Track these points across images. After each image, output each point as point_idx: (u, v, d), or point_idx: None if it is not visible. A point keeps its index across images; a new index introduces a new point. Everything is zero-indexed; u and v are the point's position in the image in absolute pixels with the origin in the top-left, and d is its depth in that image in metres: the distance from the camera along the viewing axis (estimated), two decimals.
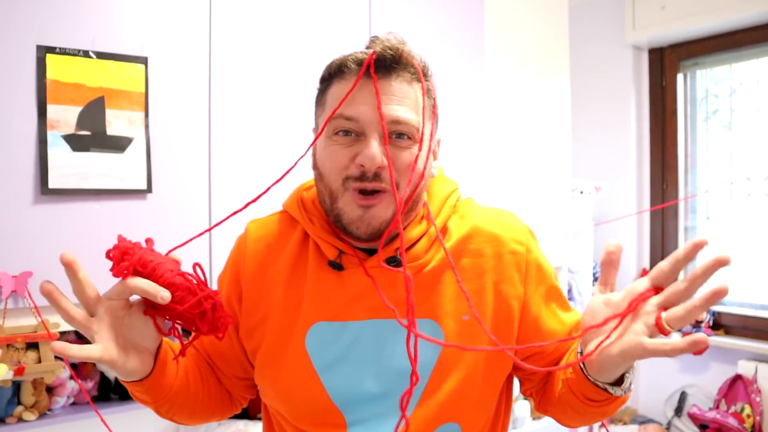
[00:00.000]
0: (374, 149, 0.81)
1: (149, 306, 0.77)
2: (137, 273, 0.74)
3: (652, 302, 0.71)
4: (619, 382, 0.79)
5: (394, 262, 0.88)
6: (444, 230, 0.93)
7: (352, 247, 0.90)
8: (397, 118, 0.82)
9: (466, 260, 0.91)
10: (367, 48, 0.85)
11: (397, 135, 0.83)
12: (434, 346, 0.86)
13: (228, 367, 0.99)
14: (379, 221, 0.83)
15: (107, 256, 0.75)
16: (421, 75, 0.85)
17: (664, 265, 0.71)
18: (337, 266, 0.89)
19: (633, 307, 0.70)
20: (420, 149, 0.84)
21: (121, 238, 0.76)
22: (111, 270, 0.74)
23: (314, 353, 0.88)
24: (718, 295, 0.67)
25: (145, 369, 0.80)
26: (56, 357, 1.55)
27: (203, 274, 0.81)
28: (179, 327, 0.80)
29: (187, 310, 0.76)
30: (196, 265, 0.81)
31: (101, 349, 0.73)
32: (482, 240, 0.92)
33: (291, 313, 0.91)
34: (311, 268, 0.92)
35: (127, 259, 0.74)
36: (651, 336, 0.69)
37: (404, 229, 0.88)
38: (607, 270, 0.76)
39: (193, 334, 0.82)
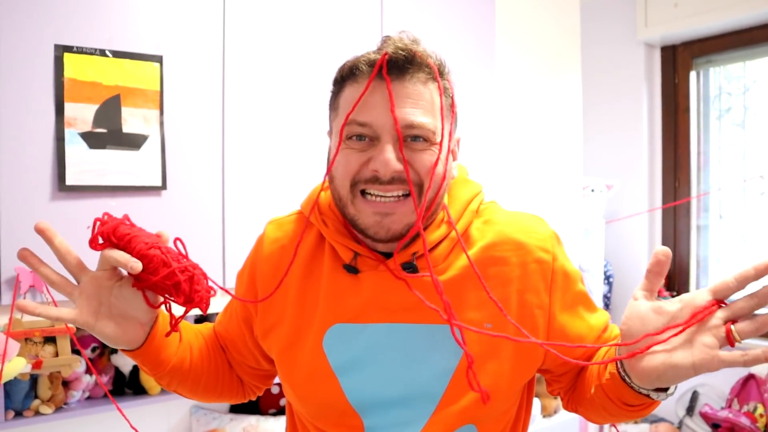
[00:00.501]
0: (388, 154, 0.79)
1: (134, 279, 0.80)
2: (113, 245, 0.78)
3: (718, 315, 0.71)
4: (663, 388, 0.78)
5: (410, 267, 0.86)
6: (466, 236, 0.91)
7: (368, 249, 0.89)
8: (412, 123, 0.80)
9: (492, 269, 0.89)
10: (379, 48, 0.83)
11: (412, 138, 0.81)
12: (454, 353, 0.85)
13: (239, 355, 1.02)
14: (400, 225, 0.83)
15: (87, 228, 0.80)
16: (437, 74, 0.83)
17: (729, 280, 0.72)
18: (352, 269, 0.89)
19: (699, 319, 0.71)
20: (440, 150, 0.82)
21: (104, 215, 0.80)
22: (88, 242, 0.79)
23: (332, 354, 0.88)
24: None
25: (133, 339, 0.83)
26: (73, 351, 1.57)
27: (184, 248, 0.84)
28: (171, 301, 0.82)
29: (160, 281, 0.77)
30: (177, 240, 0.84)
31: (76, 312, 0.78)
32: (507, 248, 0.89)
33: (307, 315, 0.91)
34: (326, 270, 0.91)
35: (102, 230, 0.78)
36: (720, 348, 0.70)
37: (414, 230, 0.86)
38: (654, 277, 0.75)
39: (185, 309, 0.83)
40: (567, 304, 0.91)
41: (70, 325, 1.48)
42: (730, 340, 0.69)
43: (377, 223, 0.82)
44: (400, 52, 0.79)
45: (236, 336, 1.00)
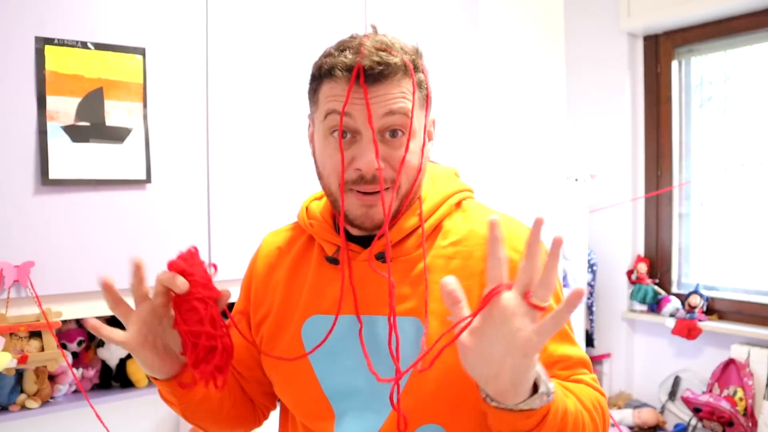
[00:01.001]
0: (370, 155, 0.83)
1: (175, 320, 0.83)
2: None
3: (510, 295, 0.69)
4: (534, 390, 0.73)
5: (381, 258, 0.90)
6: (438, 228, 0.94)
7: (350, 242, 0.93)
8: (391, 108, 0.84)
9: (456, 261, 0.91)
10: (355, 51, 0.84)
11: (391, 133, 0.86)
12: (417, 344, 0.87)
13: (248, 371, 1.04)
14: (381, 216, 0.87)
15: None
16: (411, 72, 0.86)
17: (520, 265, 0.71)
18: (332, 260, 0.94)
19: (487, 301, 0.69)
20: (408, 139, 0.86)
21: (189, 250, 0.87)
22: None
23: (309, 344, 0.92)
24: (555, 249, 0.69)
25: (167, 370, 0.87)
26: (63, 345, 1.57)
27: (230, 318, 0.92)
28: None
29: (183, 332, 0.81)
30: (226, 312, 0.89)
31: (126, 336, 0.82)
32: (475, 242, 0.92)
33: (291, 306, 0.96)
34: (313, 265, 0.97)
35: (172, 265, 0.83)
36: (534, 323, 0.68)
37: (397, 221, 0.91)
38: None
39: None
40: None
41: (52, 320, 1.48)
42: (531, 304, 0.68)
43: (364, 214, 0.87)
44: (376, 65, 0.83)
45: (242, 347, 1.01)
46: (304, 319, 0.94)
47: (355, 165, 0.85)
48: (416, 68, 0.88)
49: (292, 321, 0.95)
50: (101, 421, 1.41)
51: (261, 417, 1.10)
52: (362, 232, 0.92)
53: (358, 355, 0.88)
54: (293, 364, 0.92)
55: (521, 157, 2.38)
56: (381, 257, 0.90)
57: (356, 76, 0.83)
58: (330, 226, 0.96)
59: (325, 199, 1.01)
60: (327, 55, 0.88)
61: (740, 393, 2.51)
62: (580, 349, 0.92)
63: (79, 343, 1.82)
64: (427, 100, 0.91)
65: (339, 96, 0.85)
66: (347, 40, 0.87)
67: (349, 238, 0.95)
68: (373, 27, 0.93)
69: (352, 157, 0.86)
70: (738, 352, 2.60)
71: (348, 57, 0.84)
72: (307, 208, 1.02)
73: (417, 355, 0.85)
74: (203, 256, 1.68)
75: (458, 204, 0.98)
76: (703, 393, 2.63)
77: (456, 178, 1.02)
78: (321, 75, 0.88)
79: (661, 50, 3.02)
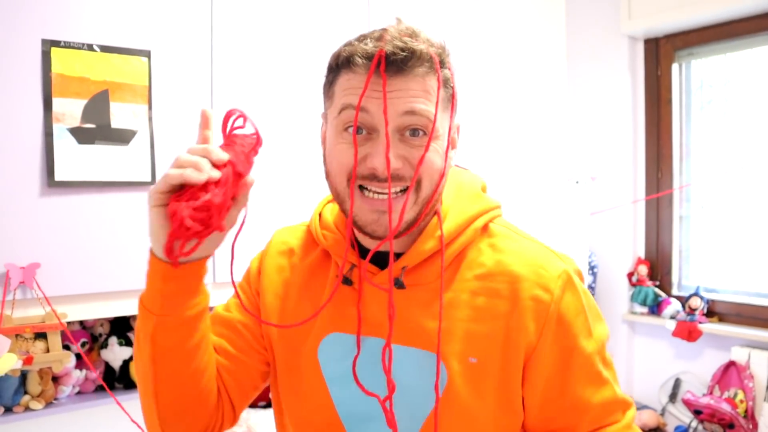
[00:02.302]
0: (385, 153, 0.75)
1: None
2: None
3: None
4: None
5: (397, 284, 0.83)
6: (462, 255, 0.85)
7: (364, 259, 0.84)
8: (412, 108, 0.76)
9: (482, 299, 0.82)
10: (377, 39, 0.77)
11: (411, 132, 0.77)
12: (433, 381, 0.80)
13: (240, 352, 0.93)
14: (394, 222, 0.78)
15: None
16: (437, 66, 0.77)
17: None
18: (345, 280, 0.86)
19: None
20: (429, 140, 0.77)
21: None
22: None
23: (326, 364, 0.87)
24: None
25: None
26: (64, 347, 1.58)
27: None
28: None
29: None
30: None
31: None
32: (502, 279, 0.83)
33: (305, 325, 0.88)
34: (330, 280, 0.90)
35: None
36: None
37: (416, 240, 0.84)
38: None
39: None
40: (558, 356, 0.82)
41: (61, 320, 1.49)
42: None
43: (375, 221, 0.79)
44: (399, 52, 0.75)
45: (238, 325, 0.94)
46: (321, 336, 0.87)
47: (369, 163, 0.76)
48: (443, 63, 0.80)
49: (308, 338, 0.89)
50: (129, 417, 1.40)
51: (220, 415, 0.91)
52: (376, 242, 0.82)
53: (377, 380, 0.82)
54: (308, 385, 0.88)
55: (522, 159, 2.38)
56: (398, 283, 0.83)
57: (377, 65, 0.74)
58: (345, 240, 0.87)
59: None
60: (346, 44, 0.80)
61: (741, 395, 2.52)
62: (612, 389, 0.84)
63: (83, 345, 1.82)
64: (452, 102, 0.83)
65: (357, 89, 0.76)
66: (368, 33, 0.80)
67: (366, 252, 0.86)
68: (398, 19, 0.84)
69: (365, 154, 0.77)
70: (738, 355, 2.61)
71: (369, 44, 0.77)
72: (320, 215, 0.94)
73: (433, 393, 0.80)
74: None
75: (485, 227, 0.88)
76: (704, 395, 2.64)
77: (482, 194, 0.91)
78: (338, 65, 0.79)
79: (661, 53, 3.03)
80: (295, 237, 0.99)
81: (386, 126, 0.75)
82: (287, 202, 1.80)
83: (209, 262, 1.68)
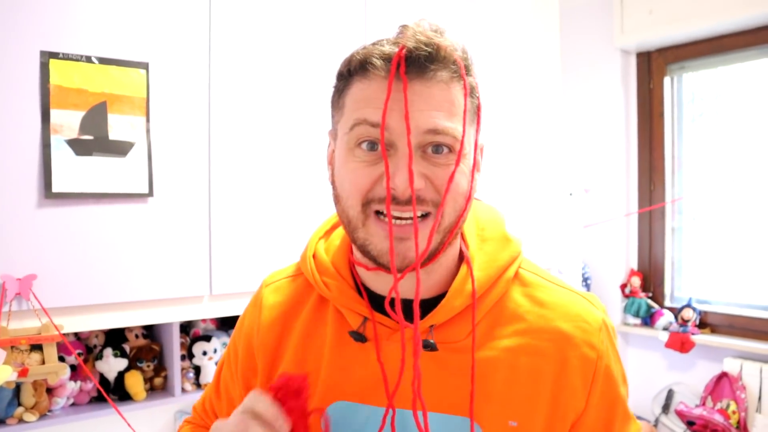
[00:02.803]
0: (406, 171, 0.65)
1: None
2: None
3: None
4: None
5: (427, 346, 0.73)
6: (500, 308, 0.76)
7: (380, 315, 0.75)
8: (435, 127, 0.66)
9: (524, 359, 0.73)
10: (396, 39, 0.68)
11: (434, 149, 0.68)
12: None
13: None
14: (415, 253, 0.68)
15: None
16: (463, 72, 0.69)
17: None
18: (359, 337, 0.76)
19: None
20: (457, 162, 0.68)
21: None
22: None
23: None
24: None
25: None
26: (60, 358, 1.57)
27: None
28: None
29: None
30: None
31: None
32: (547, 337, 0.74)
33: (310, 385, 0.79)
34: (330, 337, 0.78)
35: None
36: None
37: (434, 260, 0.72)
38: None
39: None
40: (603, 410, 0.77)
41: (54, 333, 1.48)
42: None
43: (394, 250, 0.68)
44: (423, 47, 0.66)
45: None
46: (326, 404, 0.76)
47: (390, 184, 0.66)
48: (468, 70, 0.71)
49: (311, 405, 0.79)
50: (128, 424, 1.39)
51: None
52: (388, 285, 0.70)
53: None
54: None
55: (517, 171, 2.40)
56: (429, 345, 0.73)
57: (397, 67, 0.65)
58: (351, 288, 0.77)
59: (338, 243, 0.82)
60: (360, 48, 0.71)
61: (733, 406, 2.53)
62: (635, 421, 0.81)
63: (78, 355, 1.81)
64: (477, 115, 0.74)
65: (372, 99, 0.67)
66: (386, 38, 0.71)
67: (375, 302, 0.76)
68: (421, 20, 0.74)
69: (380, 174, 0.67)
70: (731, 366, 2.63)
71: (386, 46, 0.68)
72: (315, 257, 0.82)
73: None
74: (204, 269, 1.70)
75: (515, 274, 0.79)
76: (697, 406, 2.65)
77: (510, 236, 0.81)
78: (351, 72, 0.70)
79: (653, 67, 3.07)
80: (284, 295, 0.86)
81: (408, 134, 0.65)
82: (282, 215, 1.81)
83: (206, 275, 1.69)
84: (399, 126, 0.66)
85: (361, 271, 0.78)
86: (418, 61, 0.66)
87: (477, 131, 0.74)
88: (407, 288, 0.72)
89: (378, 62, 0.67)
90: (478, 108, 0.74)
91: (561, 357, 0.74)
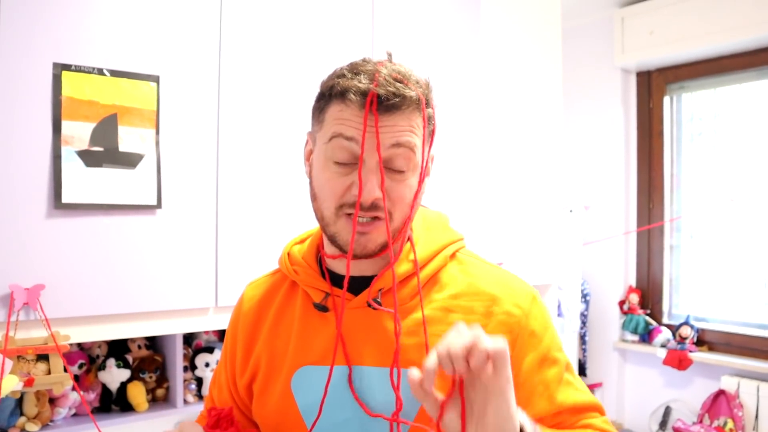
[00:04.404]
0: (372, 184, 0.82)
1: None
2: None
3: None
4: None
5: (377, 302, 0.88)
6: (435, 279, 0.92)
7: (337, 287, 0.91)
8: (398, 141, 0.82)
9: (456, 315, 0.88)
10: (370, 77, 0.83)
11: (397, 168, 0.85)
12: (413, 402, 0.83)
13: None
14: (374, 245, 0.86)
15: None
16: (423, 106, 0.86)
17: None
18: (321, 308, 0.91)
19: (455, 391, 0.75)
20: (411, 177, 0.86)
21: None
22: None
23: (299, 396, 0.90)
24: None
25: None
26: (65, 369, 1.57)
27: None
28: None
29: None
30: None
31: None
32: (475, 298, 0.90)
33: (279, 358, 0.94)
34: (298, 312, 0.94)
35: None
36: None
37: (384, 252, 0.89)
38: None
39: None
40: (531, 363, 0.88)
41: (61, 343, 1.49)
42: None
43: (355, 241, 0.85)
44: (392, 96, 0.81)
45: (230, 404, 1.03)
46: (293, 371, 0.91)
47: (354, 191, 0.83)
48: (427, 103, 0.87)
49: (281, 374, 0.93)
50: None
51: None
52: (347, 271, 0.87)
53: (349, 409, 0.86)
54: (284, 417, 0.91)
55: (518, 188, 2.42)
56: (377, 302, 0.88)
57: (369, 103, 0.81)
58: (316, 271, 0.95)
59: (307, 242, 1.00)
60: (339, 75, 0.86)
61: (730, 424, 2.55)
62: (587, 394, 0.91)
63: (80, 366, 1.81)
64: (432, 135, 0.90)
65: (347, 120, 0.83)
66: (360, 63, 0.86)
67: (336, 283, 0.92)
68: (389, 54, 0.91)
69: (350, 183, 0.84)
70: (728, 384, 2.65)
71: (363, 82, 0.83)
72: (289, 254, 1.00)
73: (416, 407, 0.84)
74: (210, 281, 1.70)
75: (452, 255, 0.96)
76: (694, 423, 2.67)
77: (449, 227, 1.00)
78: (331, 95, 0.86)
79: (653, 86, 3.11)
80: (261, 288, 1.04)
81: (380, 162, 0.82)
82: (289, 227, 1.82)
83: (212, 287, 1.69)
84: (368, 143, 0.82)
85: (329, 260, 0.95)
86: (387, 104, 0.81)
87: (429, 147, 0.90)
88: (363, 268, 0.90)
89: (354, 97, 0.82)
90: (433, 130, 0.90)
91: (487, 312, 0.88)
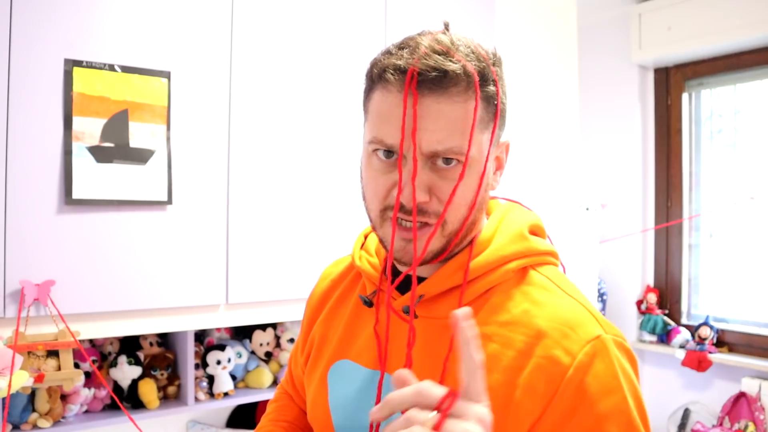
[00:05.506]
0: (416, 183, 0.71)
1: None
2: None
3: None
4: None
5: (406, 311, 0.78)
6: (486, 298, 0.77)
7: (390, 283, 0.80)
8: (436, 150, 0.71)
9: (493, 346, 0.73)
10: (412, 51, 0.72)
11: (444, 160, 0.72)
12: None
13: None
14: (424, 252, 0.74)
15: None
16: (476, 83, 0.71)
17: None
18: (366, 301, 0.84)
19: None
20: (464, 170, 0.72)
21: None
22: None
23: (332, 390, 0.86)
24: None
25: None
26: (75, 365, 1.57)
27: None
28: None
29: None
30: None
31: None
32: (521, 331, 0.72)
33: (327, 343, 0.91)
34: (353, 301, 0.90)
35: None
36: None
37: (440, 258, 0.77)
38: None
39: None
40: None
41: (71, 339, 1.48)
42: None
43: (402, 248, 0.75)
44: (430, 71, 0.69)
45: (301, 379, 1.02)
46: (332, 361, 0.87)
47: (396, 192, 0.73)
48: (485, 79, 0.73)
49: (322, 361, 0.89)
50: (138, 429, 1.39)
51: None
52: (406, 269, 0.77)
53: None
54: (316, 407, 0.88)
55: (534, 185, 2.39)
56: (406, 310, 0.78)
57: (409, 82, 0.69)
58: (378, 264, 0.87)
59: None
60: (384, 52, 0.75)
61: (751, 427, 2.49)
62: None
63: (92, 362, 1.81)
64: (495, 119, 0.76)
65: (387, 117, 0.72)
66: (412, 36, 0.75)
67: (396, 278, 0.80)
68: (446, 24, 0.78)
69: (394, 182, 0.73)
70: (749, 386, 2.59)
71: (403, 57, 0.71)
72: (366, 237, 0.94)
73: None
74: (221, 276, 1.69)
75: (523, 271, 0.79)
76: (714, 426, 2.61)
77: (526, 235, 0.81)
78: (373, 78, 0.75)
79: (671, 83, 3.06)
80: (337, 268, 1.00)
81: (414, 151, 0.70)
82: (300, 223, 1.80)
83: (223, 284, 1.69)
84: (409, 141, 0.71)
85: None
86: (429, 78, 0.69)
87: (493, 134, 0.77)
88: (421, 268, 0.79)
89: (392, 77, 0.71)
90: (497, 114, 0.76)
91: (527, 351, 0.71)
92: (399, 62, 0.71)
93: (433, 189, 0.72)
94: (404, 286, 0.82)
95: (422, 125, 0.70)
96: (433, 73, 0.69)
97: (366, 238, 0.94)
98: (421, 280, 0.80)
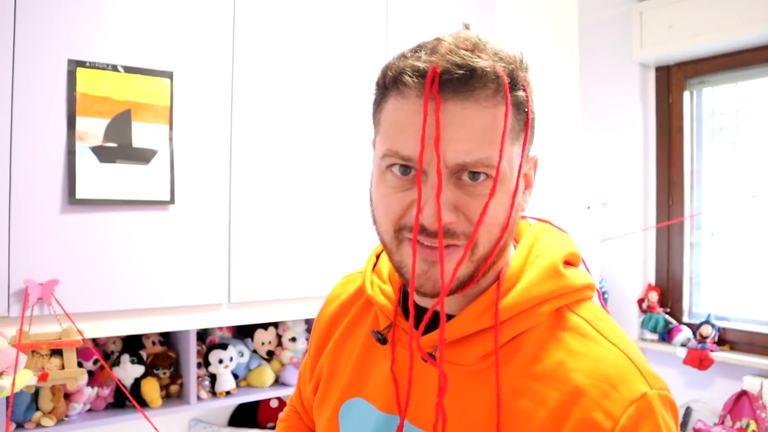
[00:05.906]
0: (441, 201, 0.61)
1: None
2: None
3: None
4: None
5: (430, 356, 0.68)
6: (517, 343, 0.67)
7: (404, 320, 0.74)
8: (463, 162, 0.61)
9: (525, 403, 0.64)
10: (431, 51, 0.63)
11: (470, 175, 0.62)
12: None
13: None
14: (449, 279, 0.64)
15: None
16: (506, 87, 0.62)
17: None
18: (379, 338, 0.75)
19: None
20: (494, 188, 0.62)
21: None
22: None
23: (344, 429, 0.79)
24: None
25: None
26: (78, 364, 1.58)
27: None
28: None
29: None
30: None
31: None
32: (556, 387, 0.63)
33: (338, 376, 0.83)
34: (365, 332, 0.81)
35: None
36: None
37: (468, 287, 0.67)
38: None
39: None
40: None
41: (78, 338, 1.49)
42: None
43: (423, 273, 0.64)
44: (455, 69, 0.60)
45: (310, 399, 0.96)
46: (344, 398, 0.79)
47: (414, 211, 0.63)
48: (515, 83, 0.64)
49: (333, 396, 0.82)
50: (153, 426, 1.39)
51: None
52: (431, 300, 0.68)
53: None
54: None
55: (536, 184, 2.39)
56: (431, 356, 0.67)
57: (431, 84, 0.60)
58: (393, 294, 0.77)
59: None
60: (399, 57, 0.66)
61: (753, 425, 2.50)
62: None
63: (95, 362, 1.82)
64: (526, 129, 0.66)
65: (404, 126, 0.62)
66: (427, 41, 0.66)
67: (417, 311, 0.73)
68: (465, 25, 0.70)
69: (412, 200, 0.63)
70: (750, 384, 2.59)
71: (421, 59, 0.62)
72: (377, 257, 0.84)
73: None
74: (223, 276, 1.70)
75: (558, 312, 0.69)
76: (715, 425, 2.62)
77: (561, 270, 0.69)
78: (386, 84, 0.66)
79: (672, 81, 3.06)
80: (348, 287, 0.91)
81: (438, 163, 0.60)
82: (302, 224, 1.81)
83: (225, 283, 1.69)
84: (430, 153, 0.61)
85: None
86: (452, 83, 0.60)
87: (524, 147, 0.67)
88: (446, 305, 0.69)
89: (410, 80, 0.62)
90: (527, 123, 0.66)
91: (562, 411, 0.62)
92: (417, 63, 0.62)
93: (459, 207, 0.63)
94: (419, 320, 0.71)
95: (446, 134, 0.60)
96: (459, 72, 0.60)
97: (378, 258, 0.84)
98: (448, 317, 0.69)
